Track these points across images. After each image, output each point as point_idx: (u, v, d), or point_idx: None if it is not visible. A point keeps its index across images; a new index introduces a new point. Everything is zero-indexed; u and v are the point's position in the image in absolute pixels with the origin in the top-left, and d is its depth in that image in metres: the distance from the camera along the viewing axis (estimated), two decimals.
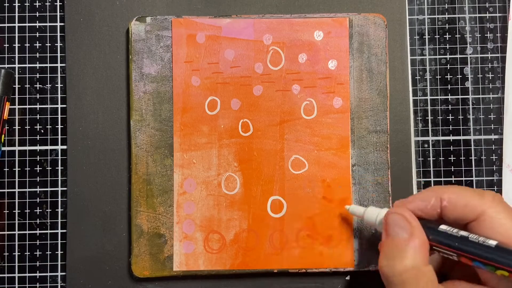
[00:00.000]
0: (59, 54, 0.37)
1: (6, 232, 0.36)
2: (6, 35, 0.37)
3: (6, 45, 0.37)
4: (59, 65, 0.37)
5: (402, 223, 0.28)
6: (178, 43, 0.35)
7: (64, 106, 0.36)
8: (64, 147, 0.36)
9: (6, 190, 0.36)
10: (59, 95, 0.37)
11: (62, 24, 0.37)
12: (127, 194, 0.36)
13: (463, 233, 0.27)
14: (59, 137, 0.36)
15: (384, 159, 0.35)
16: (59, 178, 0.36)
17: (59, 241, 0.36)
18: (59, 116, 0.36)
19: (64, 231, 0.36)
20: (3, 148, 0.36)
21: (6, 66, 0.37)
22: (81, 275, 0.35)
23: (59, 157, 0.36)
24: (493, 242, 0.26)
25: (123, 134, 0.36)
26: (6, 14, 0.37)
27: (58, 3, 0.37)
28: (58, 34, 0.37)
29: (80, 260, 0.35)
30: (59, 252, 0.36)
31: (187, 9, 0.36)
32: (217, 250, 0.35)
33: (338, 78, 0.35)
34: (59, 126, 0.36)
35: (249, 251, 0.35)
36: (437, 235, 0.28)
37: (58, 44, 0.37)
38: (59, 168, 0.36)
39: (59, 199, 0.36)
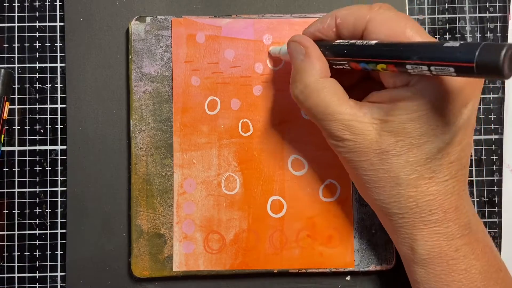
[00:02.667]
0: (58, 54, 0.37)
1: (5, 232, 0.36)
2: (6, 35, 0.37)
3: (6, 45, 0.37)
4: (58, 65, 0.37)
5: (298, 47, 0.29)
6: (178, 43, 0.35)
7: (64, 106, 0.36)
8: (64, 147, 0.36)
9: (5, 190, 0.36)
10: (58, 95, 0.37)
11: (62, 24, 0.37)
12: (127, 194, 0.36)
13: (352, 41, 0.28)
14: (59, 137, 0.36)
15: None
16: (59, 178, 0.36)
17: (59, 241, 0.36)
18: (59, 116, 0.36)
19: (64, 231, 0.36)
20: (2, 148, 0.36)
21: (5, 66, 0.37)
22: (80, 275, 0.35)
23: (59, 157, 0.36)
24: (373, 42, 0.27)
25: (123, 134, 0.36)
26: (6, 14, 0.37)
27: (57, 3, 0.37)
28: (58, 34, 0.37)
29: (79, 260, 0.35)
30: (59, 252, 0.36)
31: (187, 9, 0.36)
32: (217, 250, 0.35)
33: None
34: (59, 126, 0.36)
35: (249, 251, 0.35)
36: (330, 48, 0.29)
37: (58, 44, 0.37)
38: (59, 168, 0.36)
39: (59, 199, 0.36)
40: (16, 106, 0.36)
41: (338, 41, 0.29)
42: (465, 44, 0.22)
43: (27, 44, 0.37)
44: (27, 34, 0.37)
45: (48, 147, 0.36)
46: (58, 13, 0.37)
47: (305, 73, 0.29)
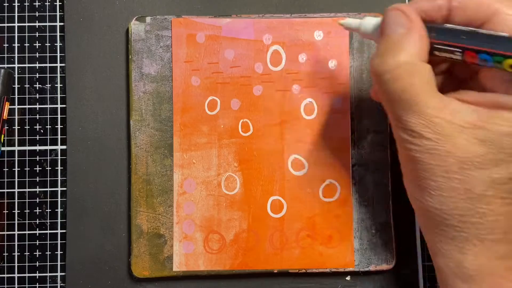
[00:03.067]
0: (58, 54, 0.37)
1: (5, 232, 0.36)
2: (6, 35, 0.37)
3: (6, 45, 0.37)
4: (58, 65, 0.37)
5: (400, 19, 0.25)
6: (178, 43, 0.35)
7: (64, 106, 0.36)
8: (64, 147, 0.36)
9: (5, 190, 0.36)
10: (58, 95, 0.37)
11: (62, 24, 0.37)
12: (126, 194, 0.36)
13: (471, 28, 0.24)
14: (59, 137, 0.36)
15: (384, 159, 0.35)
16: (59, 178, 0.36)
17: (59, 241, 0.36)
18: (59, 116, 0.36)
19: (64, 231, 0.36)
20: (2, 148, 0.36)
21: (5, 66, 0.37)
22: (80, 275, 0.35)
23: (59, 157, 0.36)
24: (506, 34, 0.23)
25: (123, 134, 0.36)
26: (6, 14, 0.37)
27: (57, 3, 0.37)
28: (58, 34, 0.37)
29: (79, 260, 0.35)
30: (59, 252, 0.36)
31: (187, 9, 0.36)
32: (217, 250, 0.35)
33: (338, 78, 0.35)
34: (59, 126, 0.36)
35: (249, 251, 0.35)
36: (441, 32, 0.25)
37: (58, 44, 0.37)
38: (59, 168, 0.36)
39: (59, 199, 0.36)
40: (16, 106, 0.36)
41: (449, 25, 0.25)
42: None
43: (27, 44, 0.37)
44: (27, 34, 0.37)
45: (48, 147, 0.36)
46: (58, 13, 0.37)
47: (402, 50, 0.24)
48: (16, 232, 0.36)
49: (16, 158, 0.36)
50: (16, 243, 0.36)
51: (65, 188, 0.36)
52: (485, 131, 0.23)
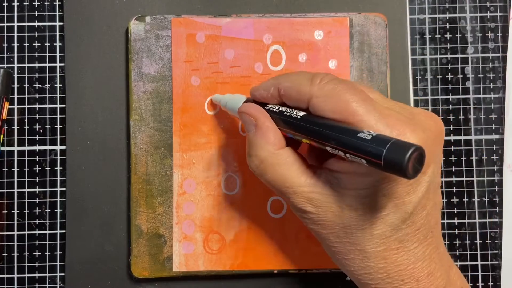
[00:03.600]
0: (58, 54, 0.37)
1: (5, 233, 0.36)
2: (5, 34, 0.37)
3: (5, 45, 0.37)
4: (58, 64, 0.37)
5: (248, 119, 0.28)
6: (178, 43, 0.35)
7: (63, 106, 0.36)
8: (63, 147, 0.36)
9: (5, 191, 0.36)
10: (58, 95, 0.36)
11: (61, 23, 0.37)
12: (126, 194, 0.35)
13: (281, 108, 0.28)
14: (58, 137, 0.36)
15: None
16: (58, 178, 0.36)
17: (58, 242, 0.36)
18: (58, 116, 0.36)
19: (63, 231, 0.36)
20: (2, 148, 0.36)
21: (5, 65, 0.36)
22: (80, 275, 0.35)
23: (58, 157, 0.36)
24: (300, 114, 0.26)
25: (123, 134, 0.36)
26: (5, 14, 0.37)
27: (57, 3, 0.37)
28: (57, 33, 0.37)
29: (79, 260, 0.35)
30: (58, 253, 0.36)
31: (186, 9, 0.36)
32: (217, 251, 0.34)
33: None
34: (58, 126, 0.36)
35: (249, 251, 0.34)
36: (272, 114, 0.28)
37: (57, 44, 0.37)
38: (58, 168, 0.36)
39: (58, 199, 0.36)
40: (15, 106, 0.36)
41: (269, 105, 0.29)
42: (376, 138, 0.22)
43: (26, 44, 0.37)
44: (26, 34, 0.37)
45: (48, 147, 0.36)
46: (57, 13, 0.37)
47: (258, 147, 0.27)
48: (15, 233, 0.36)
49: (16, 158, 0.36)
50: (15, 243, 0.36)
51: (64, 188, 0.36)
52: (349, 196, 0.25)
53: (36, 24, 0.37)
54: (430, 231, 0.26)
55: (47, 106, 0.36)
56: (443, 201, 0.36)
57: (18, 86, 0.36)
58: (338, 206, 0.26)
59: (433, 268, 0.26)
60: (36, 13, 0.37)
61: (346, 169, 0.25)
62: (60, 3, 0.37)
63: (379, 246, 0.25)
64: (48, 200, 0.36)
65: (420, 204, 0.25)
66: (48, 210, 0.36)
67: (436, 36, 0.37)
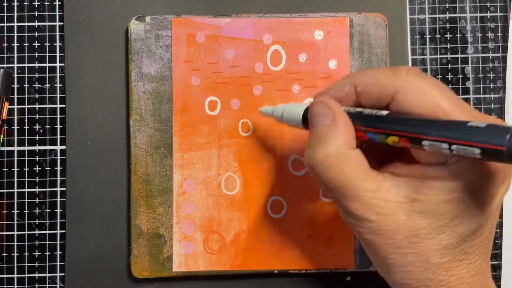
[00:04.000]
0: (58, 54, 0.37)
1: (5, 233, 0.36)
2: (5, 34, 0.37)
3: (5, 45, 0.37)
4: (58, 64, 0.37)
5: (324, 111, 0.26)
6: (178, 43, 0.35)
7: (63, 106, 0.36)
8: (63, 147, 0.36)
9: (4, 191, 0.36)
10: (58, 95, 0.36)
11: (61, 23, 0.37)
12: (126, 194, 0.35)
13: (358, 109, 0.26)
14: (58, 137, 0.36)
15: None
16: (58, 178, 0.36)
17: (58, 242, 0.36)
18: (58, 116, 0.36)
19: (63, 231, 0.36)
20: (1, 148, 0.36)
21: (4, 66, 0.36)
22: (80, 275, 0.35)
23: (58, 157, 0.36)
24: (384, 112, 0.25)
25: (123, 134, 0.36)
26: (5, 14, 0.37)
27: (57, 3, 0.37)
28: (57, 33, 0.37)
29: (79, 260, 0.35)
30: (58, 253, 0.36)
31: (186, 9, 0.36)
32: (217, 251, 0.34)
33: (338, 78, 0.35)
34: (58, 126, 0.36)
35: (249, 251, 0.34)
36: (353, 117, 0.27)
37: (57, 44, 0.37)
38: (58, 168, 0.36)
39: (58, 199, 0.36)
40: (15, 106, 0.36)
41: (359, 109, 0.27)
42: (492, 126, 0.20)
43: (26, 44, 0.37)
44: (26, 34, 0.37)
45: (48, 147, 0.36)
46: (57, 13, 0.37)
47: (329, 141, 0.25)
48: (15, 233, 0.36)
49: (15, 158, 0.36)
50: (15, 243, 0.36)
51: (64, 188, 0.36)
52: (421, 202, 0.24)
53: (36, 24, 0.37)
54: (489, 246, 0.25)
55: (47, 106, 0.36)
56: None
57: (18, 86, 0.36)
58: (405, 215, 0.24)
59: (485, 283, 0.25)
60: (36, 13, 0.37)
61: (422, 174, 0.24)
62: (60, 3, 0.37)
63: (444, 257, 0.24)
64: (48, 200, 0.36)
65: (492, 215, 0.24)
66: (48, 210, 0.36)
67: (436, 36, 0.37)
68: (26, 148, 0.36)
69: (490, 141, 0.20)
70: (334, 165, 0.25)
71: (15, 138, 0.36)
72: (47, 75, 0.37)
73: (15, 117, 0.36)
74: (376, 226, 0.24)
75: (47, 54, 0.37)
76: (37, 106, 0.36)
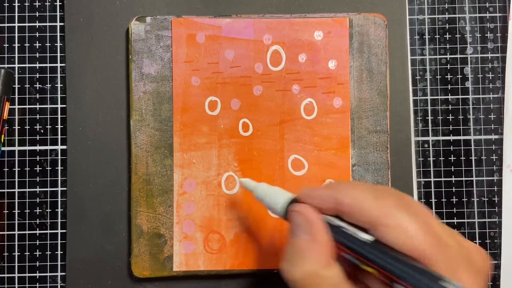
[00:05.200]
0: (59, 54, 0.37)
1: (6, 232, 0.36)
2: (6, 35, 0.37)
3: (6, 45, 0.37)
4: (59, 65, 0.37)
5: (304, 224, 0.26)
6: (178, 43, 0.35)
7: (64, 106, 0.36)
8: (64, 147, 0.36)
9: (6, 190, 0.36)
10: (58, 95, 0.37)
11: (62, 24, 0.37)
12: (127, 194, 0.36)
13: (341, 223, 0.25)
14: (59, 137, 0.36)
15: (384, 159, 0.35)
16: (59, 178, 0.36)
17: (59, 241, 0.36)
18: (59, 116, 0.36)
19: (64, 231, 0.36)
20: (3, 148, 0.36)
21: (5, 66, 0.37)
22: (80, 275, 0.35)
23: (59, 157, 0.36)
24: (366, 237, 0.24)
25: (123, 134, 0.36)
26: (6, 14, 0.37)
27: (58, 3, 0.37)
28: (58, 34, 0.37)
29: (79, 260, 0.35)
30: (59, 252, 0.36)
31: (187, 9, 0.36)
32: (217, 250, 0.35)
33: (338, 78, 0.35)
34: (59, 126, 0.36)
35: (249, 251, 0.35)
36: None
37: (58, 44, 0.37)
38: (59, 168, 0.36)
39: (59, 199, 0.36)
40: (16, 106, 0.36)
41: (325, 216, 0.26)
42: None
43: (27, 44, 0.37)
44: (27, 34, 0.37)
45: (48, 147, 0.36)
46: (58, 13, 0.37)
47: (306, 259, 0.25)
48: (16, 232, 0.36)
49: (16, 158, 0.36)
50: (16, 243, 0.36)
51: (65, 188, 0.36)
52: None
53: (37, 24, 0.37)
54: None
55: (48, 106, 0.36)
56: (443, 201, 0.36)
57: (19, 86, 0.37)
58: None
59: None
60: (37, 14, 0.37)
61: None
62: (61, 3, 0.37)
63: None
64: (49, 199, 0.36)
65: None
66: (48, 210, 0.36)
67: (435, 36, 0.37)
68: (27, 148, 0.36)
69: None
70: (312, 286, 0.25)
71: (16, 138, 0.36)
72: (48, 75, 0.37)
73: (16, 117, 0.36)
74: None
75: (48, 55, 0.37)
76: (38, 106, 0.36)
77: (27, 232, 0.36)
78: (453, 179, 0.37)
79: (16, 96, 0.36)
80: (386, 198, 0.24)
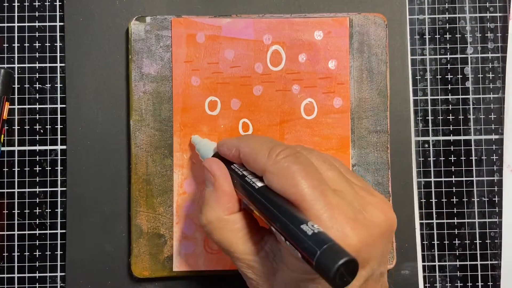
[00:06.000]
0: (58, 54, 0.37)
1: (5, 232, 0.36)
2: (6, 35, 0.37)
3: (6, 45, 0.37)
4: (58, 65, 0.37)
5: (209, 176, 0.29)
6: (178, 43, 0.35)
7: (64, 106, 0.36)
8: (64, 147, 0.36)
9: (5, 190, 0.36)
10: (58, 95, 0.36)
11: (62, 24, 0.37)
12: (126, 194, 0.36)
13: (244, 171, 0.28)
14: (59, 137, 0.36)
15: (384, 159, 0.35)
16: (59, 178, 0.36)
17: (59, 242, 0.36)
18: (59, 116, 0.36)
19: (64, 231, 0.36)
20: (2, 148, 0.36)
21: (5, 66, 0.36)
22: (80, 275, 0.35)
23: (59, 157, 0.36)
24: (259, 184, 0.26)
25: (123, 134, 0.36)
26: (6, 14, 0.37)
27: (57, 3, 0.37)
28: (58, 34, 0.37)
29: (79, 260, 0.35)
30: (59, 253, 0.36)
31: (187, 9, 0.36)
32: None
33: (338, 78, 0.35)
34: (59, 126, 0.36)
35: None
36: (233, 172, 0.28)
37: (58, 44, 0.37)
38: (59, 168, 0.36)
39: (59, 199, 0.36)
40: (16, 106, 0.36)
41: (235, 165, 0.29)
42: (315, 236, 0.21)
43: (27, 44, 0.37)
44: (27, 34, 0.37)
45: (48, 147, 0.36)
46: (58, 13, 0.37)
47: (209, 207, 0.28)
48: (16, 232, 0.36)
49: (16, 158, 0.36)
50: (16, 243, 0.36)
51: (65, 188, 0.36)
52: (286, 275, 0.25)
53: (37, 24, 0.37)
54: None
55: (48, 106, 0.36)
56: (443, 201, 0.36)
57: (19, 86, 0.37)
58: (274, 280, 0.26)
59: None
60: (37, 14, 0.37)
61: (288, 248, 0.25)
62: (60, 3, 0.37)
63: None
64: (48, 200, 0.36)
65: None
66: (48, 210, 0.36)
67: (435, 36, 0.37)
68: (27, 148, 0.36)
69: (307, 250, 0.21)
70: (215, 231, 0.28)
71: (16, 138, 0.36)
72: (48, 75, 0.37)
73: (16, 117, 0.36)
74: (255, 283, 0.28)
75: (47, 55, 0.37)
76: (37, 106, 0.36)
77: (26, 232, 0.36)
78: (453, 179, 0.37)
79: (16, 96, 0.36)
80: (280, 152, 0.26)
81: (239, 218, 0.28)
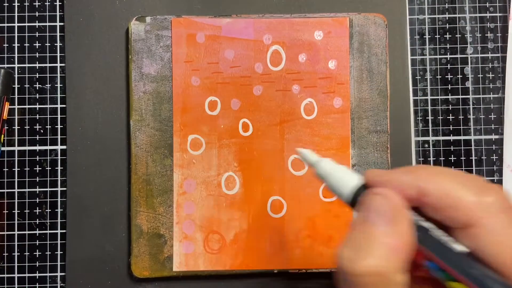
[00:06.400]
0: (58, 54, 0.37)
1: (5, 233, 0.36)
2: (6, 35, 0.37)
3: (6, 45, 0.37)
4: (58, 65, 0.37)
5: (388, 211, 0.20)
6: (178, 43, 0.35)
7: (64, 106, 0.36)
8: (64, 147, 0.36)
9: (5, 190, 0.36)
10: (58, 95, 0.36)
11: (62, 24, 0.37)
12: (126, 194, 0.36)
13: (430, 225, 0.21)
14: (59, 137, 0.36)
15: (384, 159, 0.35)
16: (59, 178, 0.36)
17: (59, 242, 0.36)
18: (59, 116, 0.36)
19: (64, 231, 0.36)
20: (2, 148, 0.36)
21: (5, 66, 0.36)
22: (80, 275, 0.35)
23: (59, 157, 0.36)
24: (462, 249, 0.20)
25: (123, 134, 0.36)
26: (6, 14, 0.37)
27: (57, 3, 0.37)
28: (58, 34, 0.37)
29: (79, 260, 0.35)
30: (59, 253, 0.36)
31: (187, 9, 0.36)
32: (217, 251, 0.35)
33: (338, 78, 0.35)
34: (59, 126, 0.36)
35: (249, 251, 0.35)
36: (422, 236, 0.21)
37: (58, 44, 0.37)
38: (59, 168, 0.36)
39: (59, 199, 0.36)
40: (16, 106, 0.36)
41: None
42: None
43: (27, 44, 0.37)
44: (27, 34, 0.37)
45: (48, 147, 0.36)
46: (58, 13, 0.37)
47: (379, 252, 0.19)
48: (16, 232, 0.36)
49: (16, 158, 0.36)
50: (16, 243, 0.36)
51: (65, 188, 0.36)
52: None
53: (37, 24, 0.37)
54: None
55: (48, 106, 0.36)
56: None
57: (19, 86, 0.37)
58: None
59: None
60: (37, 14, 0.37)
61: None
62: (60, 3, 0.37)
63: None
64: (48, 200, 0.36)
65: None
66: (48, 210, 0.36)
67: (435, 36, 0.37)
68: (27, 148, 0.36)
69: None
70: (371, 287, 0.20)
71: (16, 138, 0.36)
72: (48, 75, 0.37)
73: (16, 117, 0.36)
74: None
75: (47, 55, 0.37)
76: (37, 106, 0.36)
77: (26, 232, 0.36)
78: None
79: (16, 96, 0.36)
80: (486, 192, 0.19)
81: (405, 284, 0.20)
